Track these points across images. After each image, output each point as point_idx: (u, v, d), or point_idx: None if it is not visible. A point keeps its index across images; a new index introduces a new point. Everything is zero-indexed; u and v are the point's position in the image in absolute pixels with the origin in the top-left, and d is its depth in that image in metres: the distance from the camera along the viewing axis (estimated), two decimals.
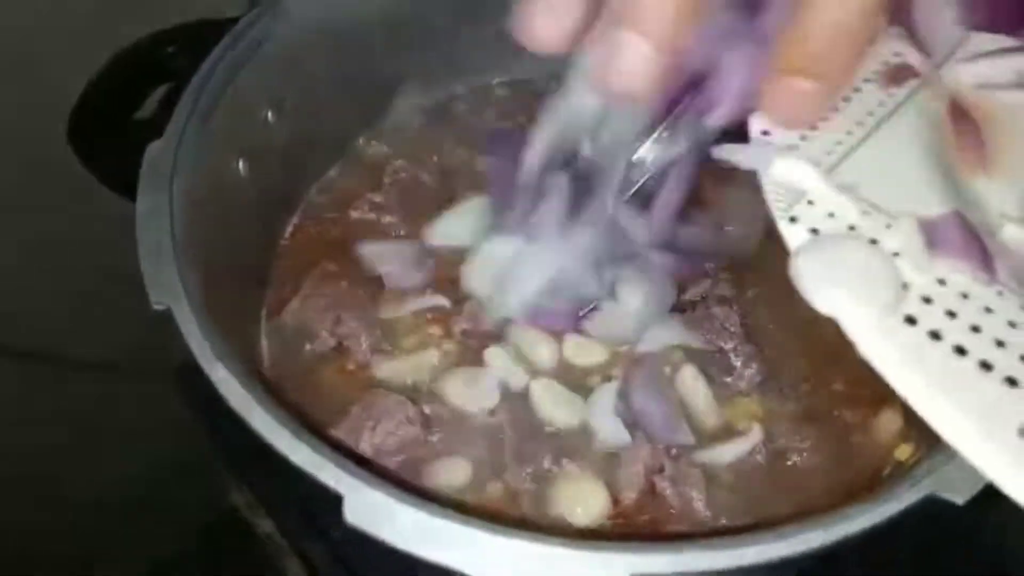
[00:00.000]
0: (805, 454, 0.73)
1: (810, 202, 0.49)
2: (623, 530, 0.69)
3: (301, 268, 0.85)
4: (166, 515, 1.31)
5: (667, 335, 0.78)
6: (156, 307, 0.58)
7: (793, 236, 0.48)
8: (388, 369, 0.78)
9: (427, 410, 0.75)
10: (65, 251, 1.06)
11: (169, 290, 0.58)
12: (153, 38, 0.79)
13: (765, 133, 0.52)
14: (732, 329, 0.79)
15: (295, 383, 0.78)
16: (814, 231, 0.48)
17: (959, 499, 0.49)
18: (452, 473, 0.71)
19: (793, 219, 0.49)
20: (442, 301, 0.80)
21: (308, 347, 0.80)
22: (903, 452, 0.70)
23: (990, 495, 0.49)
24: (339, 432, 0.73)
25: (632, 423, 0.73)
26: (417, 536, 0.48)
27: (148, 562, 1.18)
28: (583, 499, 0.71)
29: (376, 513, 0.49)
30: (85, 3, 0.93)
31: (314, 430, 0.63)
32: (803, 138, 0.52)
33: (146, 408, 1.07)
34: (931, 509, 0.50)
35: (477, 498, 0.71)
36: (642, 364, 0.75)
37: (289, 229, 0.89)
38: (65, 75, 0.78)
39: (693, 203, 0.77)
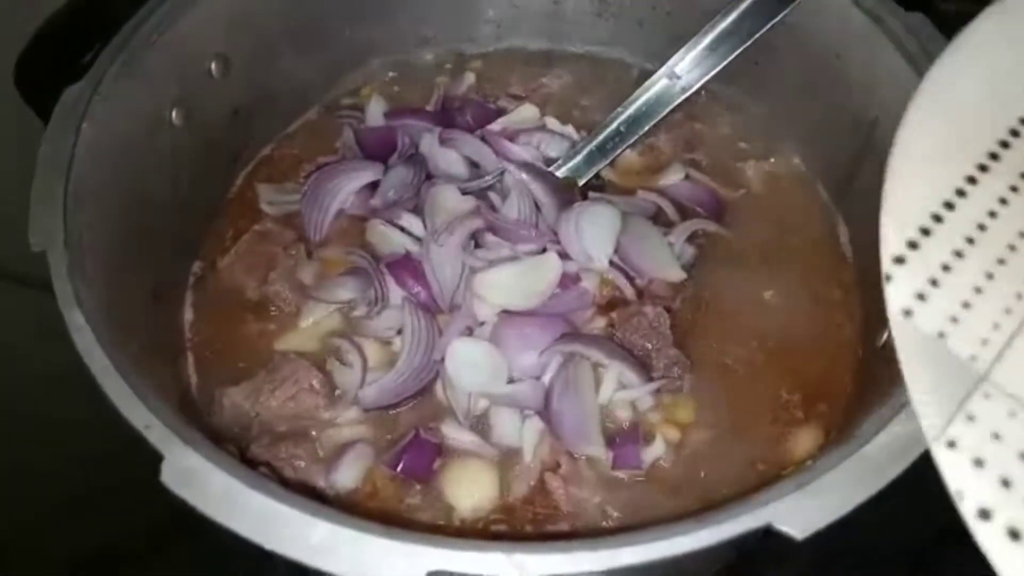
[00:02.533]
0: (709, 468, 0.70)
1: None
2: (502, 526, 0.67)
3: (240, 227, 0.85)
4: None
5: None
6: (34, 248, 0.57)
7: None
8: (302, 336, 0.77)
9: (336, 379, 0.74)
10: None
11: (49, 234, 0.58)
12: None
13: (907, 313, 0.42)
14: (661, 330, 0.75)
15: (214, 340, 0.79)
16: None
17: (798, 533, 0.46)
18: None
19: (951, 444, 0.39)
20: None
21: (233, 304, 0.80)
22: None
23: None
24: (238, 392, 0.72)
25: (546, 420, 0.71)
26: (227, 505, 0.47)
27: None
28: (472, 486, 0.69)
29: (191, 477, 0.48)
30: None
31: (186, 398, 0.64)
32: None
33: None
34: (773, 539, 0.47)
35: (367, 480, 0.69)
36: (567, 366, 0.71)
37: (236, 185, 0.88)
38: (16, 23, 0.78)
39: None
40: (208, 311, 0.81)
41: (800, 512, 0.47)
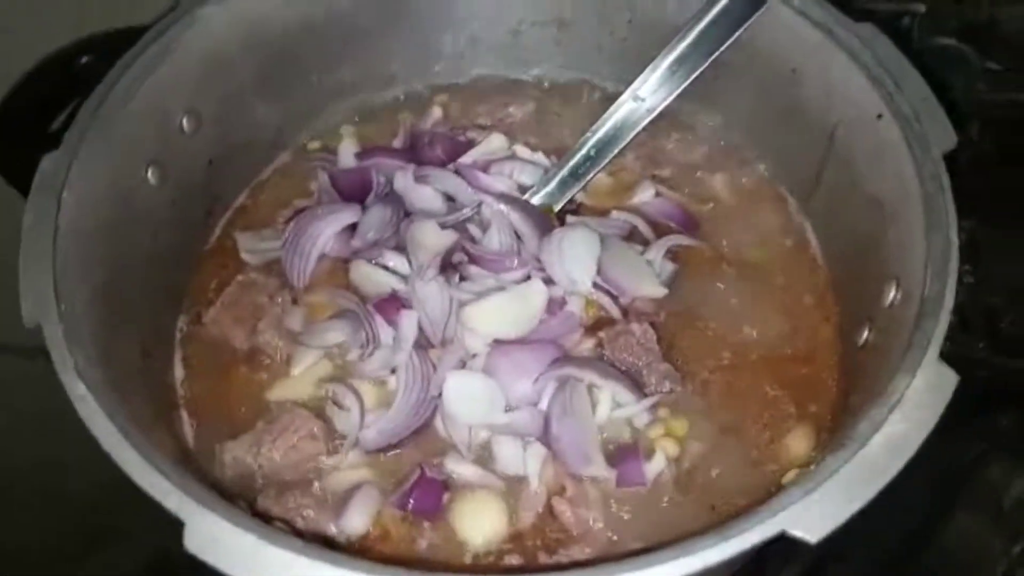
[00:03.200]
0: (711, 477, 0.72)
1: None
2: (515, 556, 0.68)
3: (222, 278, 0.85)
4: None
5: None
6: (27, 323, 0.57)
7: None
8: (295, 384, 0.77)
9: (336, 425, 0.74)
10: None
11: (41, 307, 0.58)
12: (65, 51, 0.79)
13: None
14: (649, 346, 0.77)
15: (207, 395, 0.79)
16: None
17: (812, 537, 0.48)
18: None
19: None
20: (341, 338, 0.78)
21: (223, 357, 0.80)
22: (790, 478, 0.68)
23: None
24: (238, 446, 0.72)
25: (547, 445, 0.72)
26: (255, 566, 0.47)
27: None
28: (481, 519, 0.70)
29: (215, 541, 0.48)
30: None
31: (186, 455, 0.64)
32: None
33: None
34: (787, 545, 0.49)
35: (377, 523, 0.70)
36: (564, 389, 0.73)
37: (214, 236, 0.88)
38: None
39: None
40: (198, 366, 0.80)
41: (811, 517, 0.49)
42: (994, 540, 0.93)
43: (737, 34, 0.80)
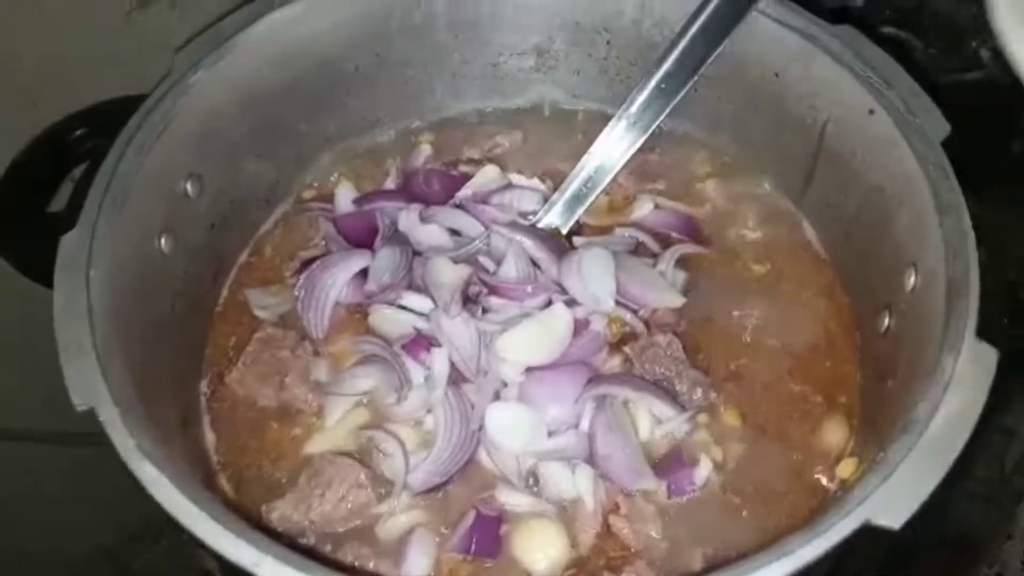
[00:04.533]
0: (755, 476, 0.73)
1: None
2: None
3: (240, 335, 0.84)
4: None
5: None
6: (79, 408, 0.56)
7: None
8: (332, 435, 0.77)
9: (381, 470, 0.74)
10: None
11: (91, 390, 0.57)
12: (58, 126, 0.78)
13: None
14: (676, 355, 0.79)
15: (242, 456, 0.77)
16: None
17: (895, 523, 0.50)
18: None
19: None
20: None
21: (252, 416, 0.79)
22: (846, 468, 0.70)
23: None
24: (285, 504, 0.71)
25: (594, 465, 0.73)
26: None
27: None
28: (542, 546, 0.70)
29: None
30: None
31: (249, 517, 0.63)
32: None
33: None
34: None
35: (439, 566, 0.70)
36: (603, 408, 0.74)
37: (223, 296, 0.87)
38: None
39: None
40: (227, 429, 0.79)
41: (891, 503, 0.51)
42: (1000, 501, 0.98)
43: (720, 48, 0.83)
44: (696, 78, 0.84)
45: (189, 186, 0.79)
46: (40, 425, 1.08)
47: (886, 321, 0.74)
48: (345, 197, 0.92)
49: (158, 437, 0.60)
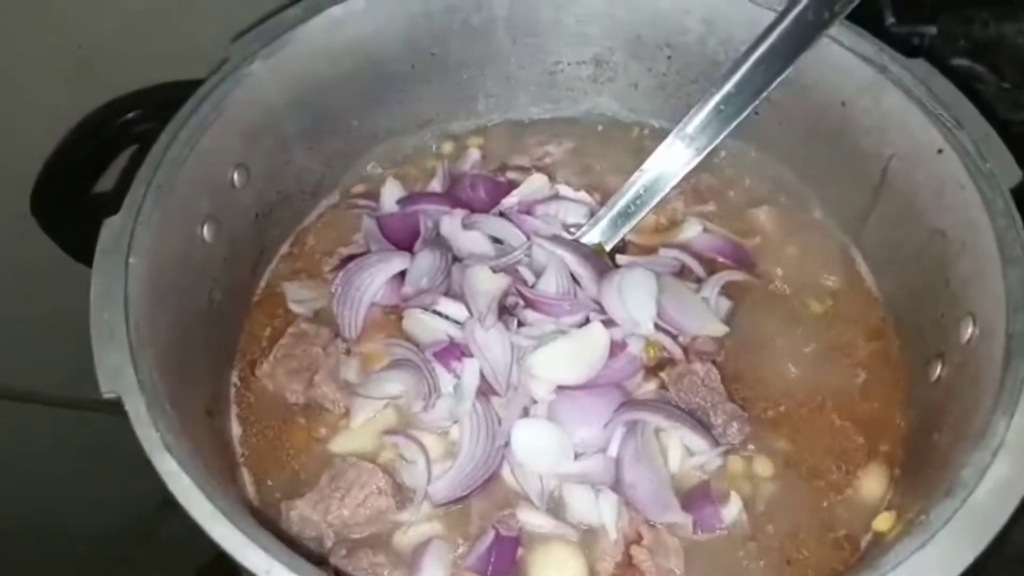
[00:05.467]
0: (786, 519, 0.71)
1: None
2: None
3: (274, 327, 0.84)
4: (165, 551, 1.31)
5: None
6: (105, 395, 0.56)
7: None
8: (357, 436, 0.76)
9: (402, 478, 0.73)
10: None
11: (120, 378, 0.57)
12: (111, 105, 0.78)
13: None
14: (713, 385, 0.77)
15: (266, 450, 0.77)
16: None
17: None
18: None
19: None
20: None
21: (279, 411, 0.79)
22: (884, 521, 0.68)
23: None
24: (305, 504, 0.71)
25: (619, 492, 0.71)
26: None
27: None
28: (559, 570, 0.69)
29: None
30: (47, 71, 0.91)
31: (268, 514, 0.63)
32: None
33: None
34: None
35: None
36: (634, 434, 0.72)
37: (261, 286, 0.87)
38: (31, 146, 0.77)
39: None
40: (254, 421, 0.79)
41: (926, 572, 0.48)
42: None
43: (786, 72, 0.80)
44: (758, 102, 0.82)
45: (236, 176, 0.79)
46: (69, 392, 1.09)
47: (938, 370, 0.70)
48: (391, 195, 0.91)
49: (183, 428, 0.60)
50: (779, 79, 0.81)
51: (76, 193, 0.77)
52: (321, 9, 0.82)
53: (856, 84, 0.79)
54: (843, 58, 0.79)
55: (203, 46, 0.81)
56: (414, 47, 0.90)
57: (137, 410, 0.56)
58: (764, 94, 0.81)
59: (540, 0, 0.89)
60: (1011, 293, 0.61)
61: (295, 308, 0.85)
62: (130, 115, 0.79)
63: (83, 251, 0.70)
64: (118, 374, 0.58)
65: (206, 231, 0.76)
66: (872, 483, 0.72)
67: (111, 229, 0.66)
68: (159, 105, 0.78)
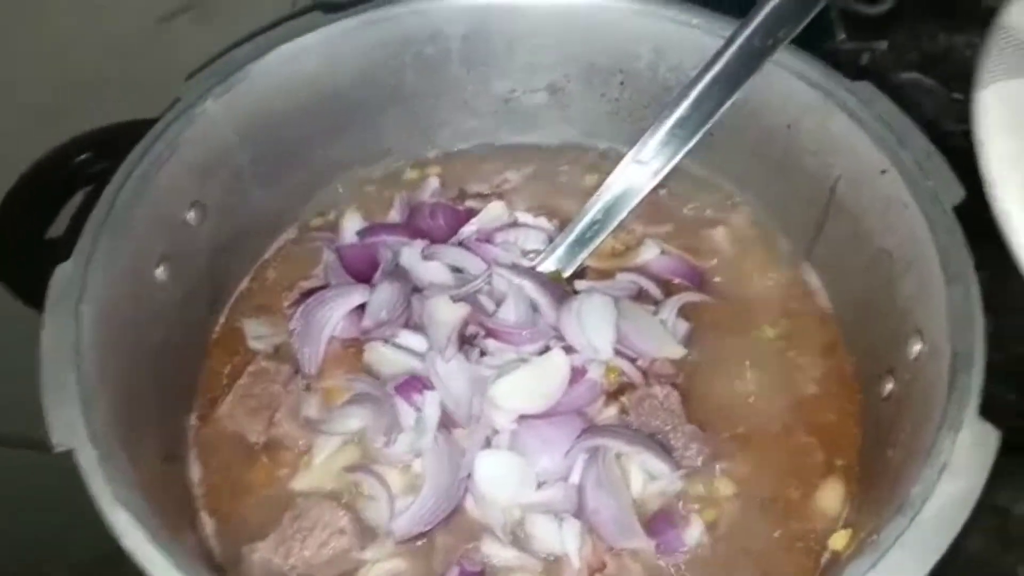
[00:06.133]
0: (747, 540, 0.72)
1: None
2: None
3: (234, 365, 0.83)
4: None
5: None
6: (57, 450, 0.55)
7: None
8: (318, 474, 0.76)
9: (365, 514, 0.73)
10: None
11: (71, 431, 0.56)
12: (65, 148, 0.78)
13: None
14: (672, 408, 0.77)
15: (227, 492, 0.77)
16: None
17: None
18: None
19: None
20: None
21: (240, 452, 0.78)
22: (839, 540, 0.68)
23: None
24: (266, 547, 0.70)
25: (583, 520, 0.71)
26: None
27: None
28: None
29: None
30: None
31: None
32: None
33: None
34: None
35: None
36: (595, 461, 0.72)
37: (218, 326, 0.87)
38: None
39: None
40: (215, 463, 0.78)
41: None
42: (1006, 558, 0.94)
43: (735, 96, 0.81)
44: (709, 126, 0.83)
45: (192, 214, 0.79)
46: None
47: (889, 386, 0.72)
48: (351, 227, 0.92)
49: (138, 479, 0.59)
50: (728, 103, 0.82)
51: (28, 239, 0.76)
52: (273, 46, 0.82)
53: (801, 107, 0.80)
54: (789, 82, 0.80)
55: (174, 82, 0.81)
56: (369, 79, 0.90)
57: (89, 463, 0.55)
58: (715, 118, 0.83)
59: (493, 33, 0.90)
60: (954, 311, 0.63)
61: (254, 345, 0.84)
62: (83, 156, 0.78)
63: (38, 298, 0.70)
64: (70, 428, 0.57)
65: (161, 271, 0.75)
66: (829, 497, 0.73)
67: (62, 275, 0.65)
68: (114, 145, 0.77)
